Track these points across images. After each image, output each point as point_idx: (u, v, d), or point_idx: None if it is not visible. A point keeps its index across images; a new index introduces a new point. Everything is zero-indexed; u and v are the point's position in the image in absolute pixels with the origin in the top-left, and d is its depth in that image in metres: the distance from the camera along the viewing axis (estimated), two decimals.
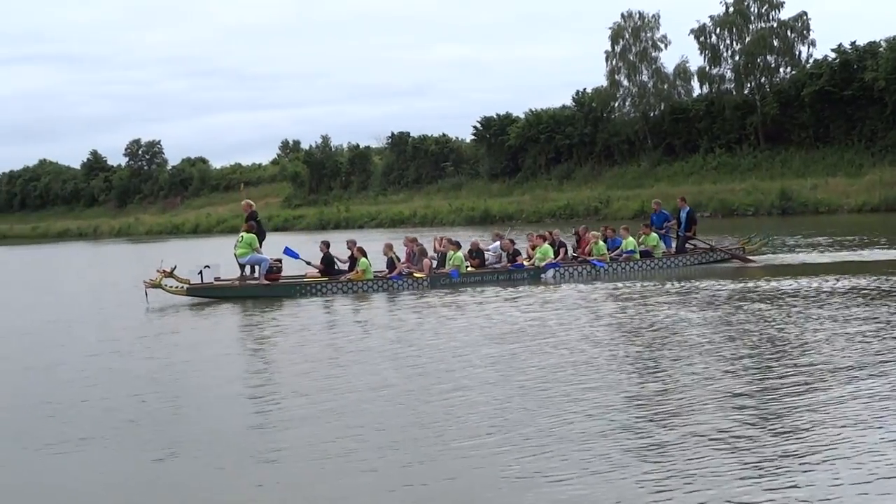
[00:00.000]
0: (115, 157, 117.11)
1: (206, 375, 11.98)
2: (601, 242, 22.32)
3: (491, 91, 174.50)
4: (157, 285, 20.29)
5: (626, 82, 64.69)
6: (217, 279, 21.23)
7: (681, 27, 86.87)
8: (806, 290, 16.48)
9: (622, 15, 64.38)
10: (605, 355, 11.55)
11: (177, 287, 20.64)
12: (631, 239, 22.59)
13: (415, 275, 21.13)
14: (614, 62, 64.64)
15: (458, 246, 21.92)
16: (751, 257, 23.33)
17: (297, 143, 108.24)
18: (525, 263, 21.77)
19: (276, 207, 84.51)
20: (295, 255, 22.12)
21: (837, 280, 17.65)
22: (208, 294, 20.95)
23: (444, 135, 79.32)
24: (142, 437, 8.96)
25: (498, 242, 23.02)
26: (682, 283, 18.70)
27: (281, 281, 21.28)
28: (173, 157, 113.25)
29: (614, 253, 22.30)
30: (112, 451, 8.58)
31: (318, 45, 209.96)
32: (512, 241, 22.73)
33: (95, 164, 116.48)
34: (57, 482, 7.83)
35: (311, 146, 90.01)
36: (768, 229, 29.59)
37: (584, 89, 67.87)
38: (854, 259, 22.36)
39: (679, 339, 12.36)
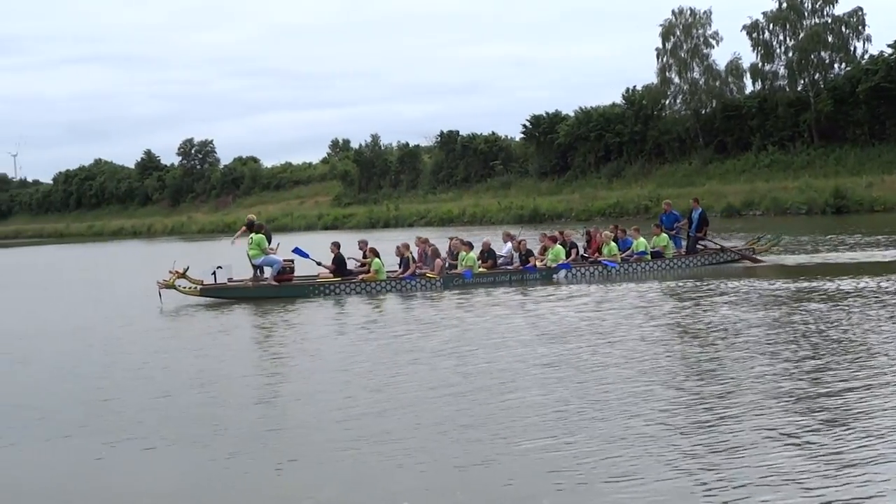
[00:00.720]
0: (169, 157, 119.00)
1: (268, 373, 12.13)
2: (613, 243, 22.33)
3: (540, 89, 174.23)
4: (170, 286, 20.45)
5: (677, 79, 64.23)
6: (230, 280, 21.33)
7: (733, 23, 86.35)
8: (865, 290, 16.26)
9: (673, 12, 63.98)
10: (662, 355, 11.49)
11: (190, 288, 20.71)
12: (642, 240, 22.65)
13: (427, 275, 21.16)
14: (665, 59, 64.20)
15: (470, 246, 21.98)
16: (759, 257, 23.23)
17: (346, 141, 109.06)
18: (537, 264, 21.74)
19: (326, 206, 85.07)
20: (305, 255, 22.12)
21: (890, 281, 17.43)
22: (222, 295, 21.02)
23: (493, 133, 79.46)
24: (226, 432, 9.09)
25: (510, 243, 23.01)
26: (719, 283, 18.54)
27: (294, 281, 21.39)
28: (225, 157, 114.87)
29: (625, 253, 22.29)
30: (201, 448, 8.67)
31: (368, 45, 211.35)
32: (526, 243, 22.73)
33: (149, 163, 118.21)
34: (134, 480, 7.96)
35: (360, 145, 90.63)
36: (780, 230, 29.46)
37: (635, 87, 67.60)
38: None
39: (739, 340, 12.20)
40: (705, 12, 63.51)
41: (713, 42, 63.59)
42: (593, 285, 19.89)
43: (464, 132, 80.00)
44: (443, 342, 13.35)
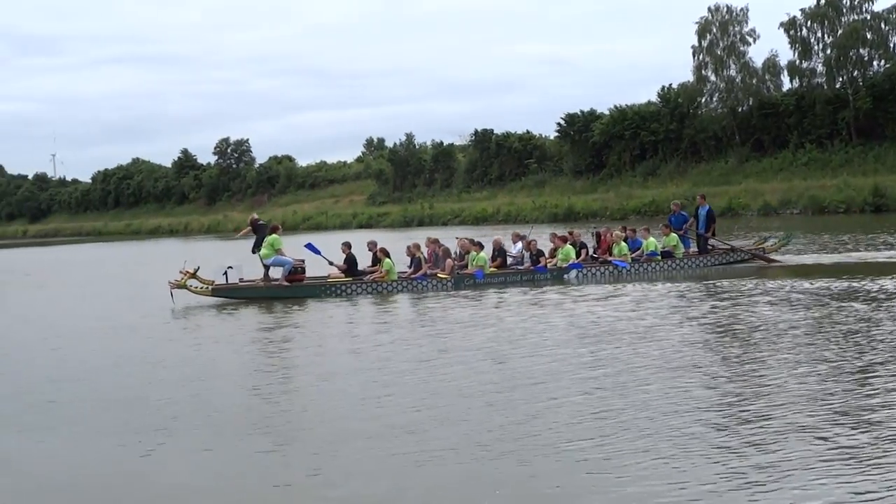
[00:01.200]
0: (205, 156, 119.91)
1: (310, 373, 12.22)
2: (623, 243, 22.36)
3: (575, 87, 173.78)
4: (181, 286, 20.53)
5: (713, 77, 63.70)
6: (241, 280, 21.42)
7: (770, 20, 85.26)
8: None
9: (709, 9, 63.41)
10: (703, 355, 11.47)
11: (201, 288, 20.79)
12: (652, 240, 22.73)
13: (438, 275, 21.23)
14: (701, 57, 63.70)
15: (480, 247, 22.01)
16: (774, 257, 23.15)
17: (381, 140, 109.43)
18: (547, 265, 21.78)
19: (361, 205, 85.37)
20: (317, 251, 22.31)
21: None
22: (233, 295, 21.10)
23: (527, 132, 79.30)
24: (286, 433, 9.17)
25: (519, 244, 23.10)
26: (756, 283, 18.40)
27: (305, 282, 21.45)
28: (261, 156, 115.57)
29: (636, 254, 22.33)
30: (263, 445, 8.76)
31: (402, 43, 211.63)
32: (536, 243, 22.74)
33: (186, 162, 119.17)
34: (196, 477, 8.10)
35: (395, 144, 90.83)
36: (791, 229, 29.38)
37: (670, 85, 67.19)
38: None
39: (781, 340, 12.14)
40: (742, 9, 62.99)
41: (750, 39, 63.02)
42: (628, 285, 19.80)
43: (498, 131, 80.00)
44: (484, 341, 13.38)
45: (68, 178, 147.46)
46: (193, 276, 20.70)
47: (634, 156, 66.80)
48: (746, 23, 63.04)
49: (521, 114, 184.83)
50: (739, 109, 62.56)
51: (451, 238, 24.44)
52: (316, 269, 22.52)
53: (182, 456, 8.51)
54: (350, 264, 21.88)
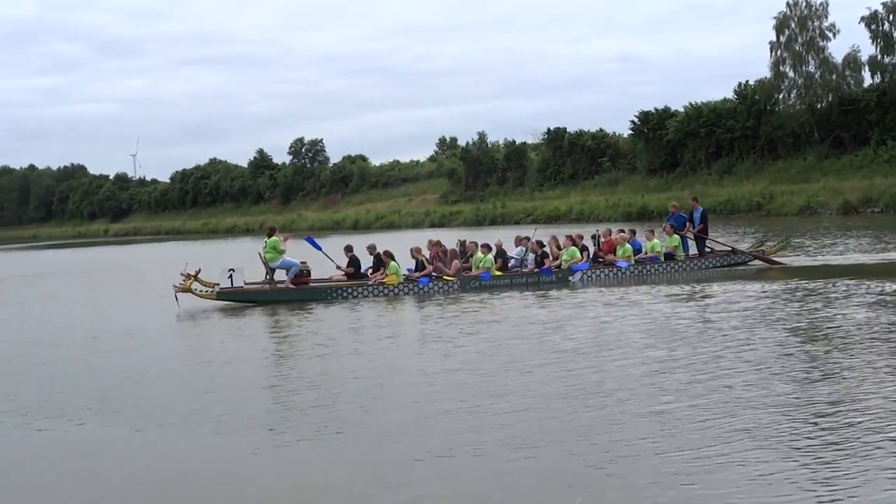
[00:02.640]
0: (280, 156, 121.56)
1: (380, 371, 12.33)
2: (628, 245, 22.36)
3: (649, 85, 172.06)
4: (187, 289, 20.36)
5: (791, 73, 62.47)
6: (246, 283, 21.20)
7: (851, 15, 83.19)
8: None
9: (788, 4, 62.17)
10: (773, 355, 11.31)
11: (207, 291, 20.61)
12: (656, 241, 22.69)
13: (444, 277, 21.15)
14: (779, 53, 62.53)
15: (487, 248, 21.97)
16: (776, 258, 23.07)
17: (454, 139, 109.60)
18: (552, 266, 21.74)
19: (434, 204, 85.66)
20: (318, 247, 22.45)
21: None
22: (239, 298, 20.91)
23: (600, 130, 78.74)
24: (356, 425, 9.36)
25: (521, 246, 23.03)
26: (832, 283, 17.90)
27: (311, 285, 21.35)
28: (334, 155, 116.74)
29: (639, 255, 22.37)
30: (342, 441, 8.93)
31: (475, 43, 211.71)
32: (541, 244, 22.62)
33: (262, 162, 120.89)
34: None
35: (467, 143, 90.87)
36: (790, 231, 29.44)
37: (747, 81, 66.03)
38: None
39: (857, 340, 11.97)
40: (822, 4, 61.62)
41: (830, 34, 61.66)
42: (611, 287, 20.03)
43: (571, 129, 79.60)
44: (574, 343, 13.32)
45: (148, 178, 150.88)
46: (195, 278, 20.49)
47: (710, 153, 65.83)
48: (826, 17, 61.72)
49: (594, 112, 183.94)
50: (818, 106, 61.22)
51: (452, 240, 24.32)
52: (320, 272, 22.41)
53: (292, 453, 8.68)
54: (355, 267, 21.85)
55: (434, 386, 10.81)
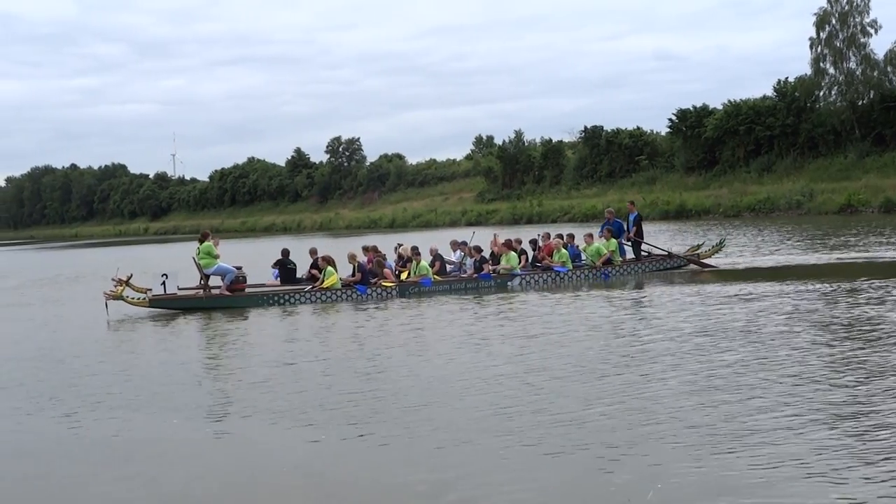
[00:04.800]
0: (318, 155, 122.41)
1: (425, 370, 12.38)
2: (564, 250, 22.44)
3: (687, 82, 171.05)
4: (118, 297, 19.59)
5: (832, 70, 61.72)
6: (179, 289, 20.59)
7: (893, 11, 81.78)
8: None
9: (828, 0, 61.50)
10: (805, 354, 11.27)
11: (139, 298, 19.97)
12: (596, 245, 22.93)
13: (383, 283, 21.04)
14: (819, 49, 61.79)
15: (420, 255, 21.86)
16: (707, 262, 23.49)
17: (490, 138, 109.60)
18: (491, 272, 21.77)
19: (470, 202, 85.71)
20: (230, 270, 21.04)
21: None
22: (172, 305, 20.28)
23: (638, 128, 78.23)
24: (397, 422, 9.40)
25: (459, 251, 23.09)
26: (859, 283, 17.81)
27: (247, 291, 20.92)
28: (371, 154, 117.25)
29: (577, 260, 22.67)
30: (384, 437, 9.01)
31: (511, 41, 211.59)
32: (479, 249, 22.63)
33: (299, 161, 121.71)
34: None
35: (504, 141, 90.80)
36: (724, 234, 29.68)
37: (787, 78, 65.31)
38: None
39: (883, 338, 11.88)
40: (863, 0, 60.89)
41: (871, 31, 60.87)
42: (547, 292, 20.08)
43: (608, 127, 79.24)
44: (592, 338, 13.38)
45: (187, 178, 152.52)
46: (127, 283, 19.82)
47: (749, 151, 65.19)
48: (867, 13, 60.91)
49: (631, 110, 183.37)
50: (860, 103, 60.45)
51: (389, 246, 24.19)
52: (256, 278, 22.17)
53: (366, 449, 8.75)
54: (290, 272, 21.80)
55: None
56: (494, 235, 23.42)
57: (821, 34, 61.66)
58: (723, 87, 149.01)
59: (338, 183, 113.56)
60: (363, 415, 9.58)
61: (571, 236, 23.73)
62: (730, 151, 66.11)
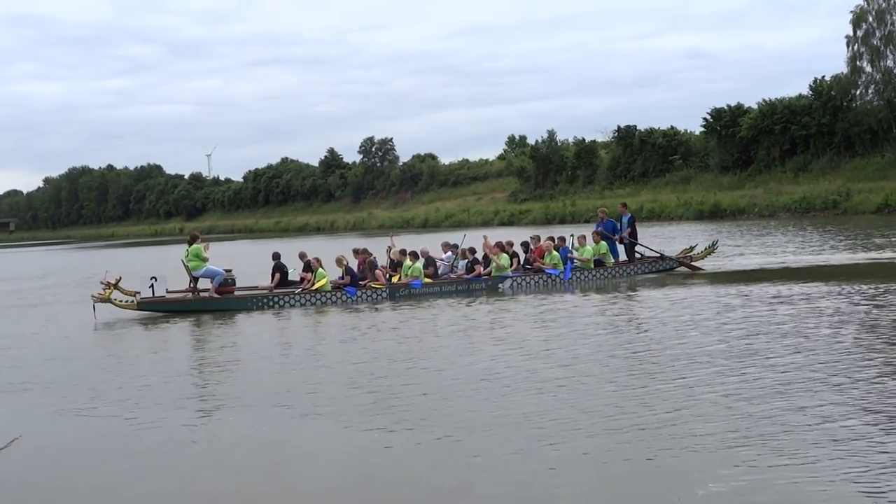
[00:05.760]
0: (351, 155, 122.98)
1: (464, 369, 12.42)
2: (555, 252, 22.37)
3: (722, 81, 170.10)
4: (106, 300, 19.45)
5: (868, 68, 61.03)
6: (168, 292, 20.48)
7: None
8: None
9: None
10: (857, 358, 11.12)
11: (127, 301, 19.75)
12: (588, 248, 22.84)
13: (373, 285, 20.98)
14: (856, 48, 61.12)
15: (414, 256, 21.81)
16: (696, 264, 23.51)
17: (523, 138, 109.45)
18: (482, 274, 21.73)
19: (503, 202, 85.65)
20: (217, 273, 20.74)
21: None
22: (160, 308, 20.11)
23: (672, 127, 77.77)
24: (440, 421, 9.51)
25: (449, 252, 23.02)
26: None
27: (236, 294, 20.79)
28: (404, 154, 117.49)
29: (568, 262, 22.52)
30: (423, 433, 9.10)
31: (543, 41, 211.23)
32: (472, 250, 22.61)
33: (332, 161, 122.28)
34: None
35: (537, 141, 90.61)
36: (717, 237, 29.48)
37: (823, 77, 64.65)
38: None
39: None
40: None
41: None
42: (539, 294, 20.17)
43: (641, 126, 78.82)
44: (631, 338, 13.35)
45: (221, 178, 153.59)
46: (116, 286, 19.65)
47: (784, 150, 64.58)
48: None
49: (664, 109, 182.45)
50: None
51: (381, 248, 24.03)
52: (245, 280, 22.11)
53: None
54: (282, 274, 21.53)
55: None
56: (485, 237, 23.28)
57: (857, 32, 61.02)
58: (757, 85, 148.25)
59: (371, 183, 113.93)
60: (399, 413, 9.64)
61: (563, 238, 23.70)
62: (765, 151, 65.54)
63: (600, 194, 75.07)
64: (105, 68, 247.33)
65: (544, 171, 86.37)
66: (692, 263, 23.60)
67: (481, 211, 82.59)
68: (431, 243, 25.67)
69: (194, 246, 20.52)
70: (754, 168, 65.80)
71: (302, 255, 22.22)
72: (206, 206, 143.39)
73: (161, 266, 20.86)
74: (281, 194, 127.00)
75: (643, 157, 76.63)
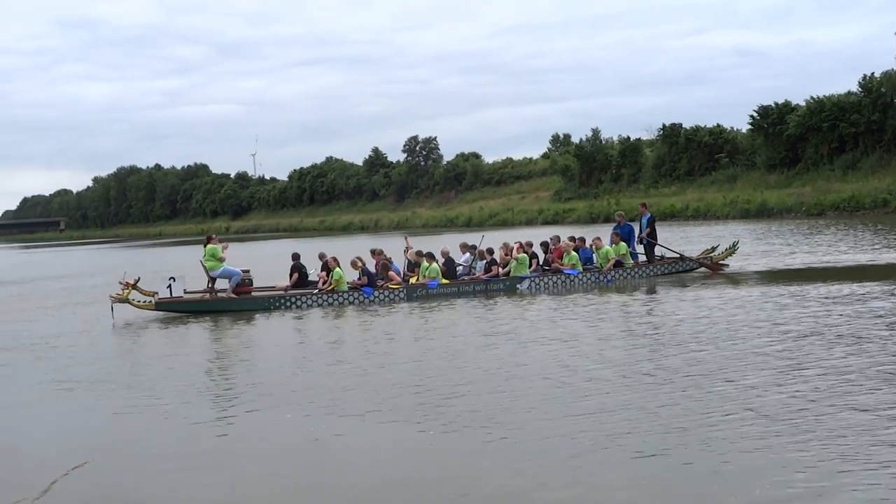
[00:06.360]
0: (395, 154, 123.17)
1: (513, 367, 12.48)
2: (574, 252, 22.30)
3: (769, 79, 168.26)
4: (124, 300, 19.60)
5: None
6: (185, 292, 20.60)
7: None
8: None
9: None
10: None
11: (144, 301, 19.84)
12: (606, 248, 22.72)
13: (390, 286, 20.99)
14: None
15: (431, 257, 21.77)
16: (718, 264, 23.35)
17: (567, 136, 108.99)
18: (500, 274, 21.71)
19: (547, 201, 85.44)
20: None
21: None
22: (178, 308, 20.24)
23: (718, 125, 76.98)
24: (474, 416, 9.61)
25: (468, 254, 22.98)
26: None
27: (253, 294, 20.83)
28: (448, 153, 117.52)
29: (588, 263, 22.54)
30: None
31: (587, 39, 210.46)
32: (490, 251, 22.50)
33: (376, 160, 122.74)
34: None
35: (581, 139, 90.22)
36: (737, 237, 29.10)
37: (872, 74, 63.68)
38: None
39: None
40: None
41: None
42: (556, 295, 20.09)
43: (687, 124, 78.16)
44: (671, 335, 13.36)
45: (267, 177, 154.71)
46: (135, 287, 19.80)
47: (832, 148, 63.68)
48: None
49: (710, 107, 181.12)
50: None
51: (398, 249, 24.03)
52: (263, 280, 22.16)
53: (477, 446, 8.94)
54: (300, 275, 21.79)
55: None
56: (504, 244, 23.19)
57: None
58: (805, 82, 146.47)
59: (415, 182, 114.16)
60: (454, 412, 9.75)
61: (583, 239, 23.72)
62: (813, 149, 64.69)
63: (645, 193, 74.55)
64: (153, 69, 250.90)
65: (589, 170, 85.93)
66: (713, 264, 23.47)
67: (525, 210, 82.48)
68: (450, 243, 25.78)
69: (210, 246, 20.69)
70: (802, 166, 64.96)
71: (321, 256, 22.36)
72: (252, 206, 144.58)
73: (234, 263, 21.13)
74: (326, 193, 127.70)
75: (689, 155, 75.99)
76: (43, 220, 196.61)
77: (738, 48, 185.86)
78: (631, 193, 76.02)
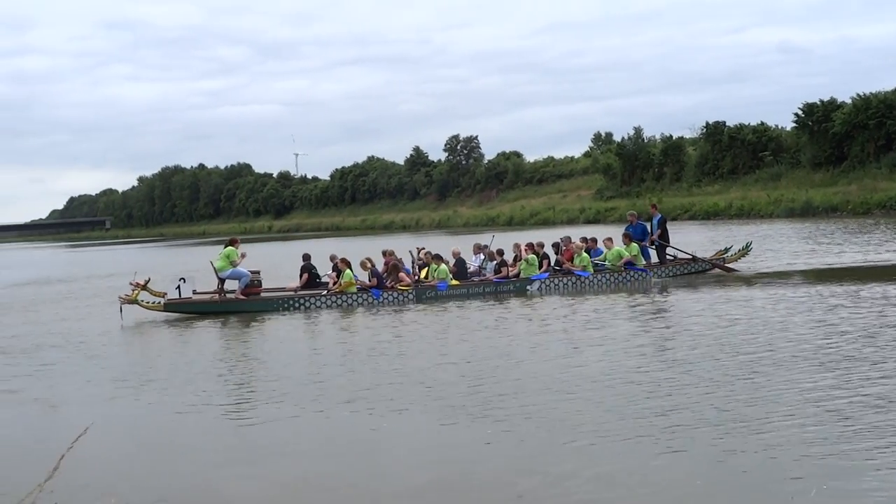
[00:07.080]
0: (436, 153, 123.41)
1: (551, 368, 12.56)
2: (585, 253, 22.14)
3: (813, 76, 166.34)
4: (133, 301, 19.67)
5: None
6: (195, 293, 20.64)
7: None
8: None
9: None
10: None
11: (153, 302, 19.91)
12: (616, 249, 22.51)
13: (399, 287, 20.90)
14: None
15: (440, 259, 21.71)
16: (732, 266, 23.15)
17: (609, 135, 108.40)
18: (510, 275, 21.59)
19: (589, 200, 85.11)
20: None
21: None
22: (187, 309, 20.30)
23: (762, 123, 76.27)
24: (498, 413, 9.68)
25: (480, 255, 22.88)
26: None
27: (262, 295, 20.86)
28: (489, 152, 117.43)
29: (598, 264, 22.36)
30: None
31: (628, 37, 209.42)
32: (500, 252, 22.34)
33: (417, 159, 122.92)
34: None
35: (623, 138, 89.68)
36: (750, 238, 28.71)
37: None
38: None
39: None
40: None
41: None
42: (567, 296, 20.01)
43: (730, 123, 77.46)
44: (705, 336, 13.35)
45: (309, 176, 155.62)
46: (145, 288, 19.90)
47: (879, 146, 62.78)
48: None
49: (753, 105, 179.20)
50: None
51: (405, 250, 23.95)
52: (272, 281, 22.15)
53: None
54: (309, 275, 21.84)
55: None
56: (515, 244, 23.18)
57: None
58: (850, 80, 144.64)
59: (456, 181, 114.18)
60: (497, 411, 9.84)
61: (594, 240, 23.63)
62: (859, 147, 63.84)
63: (688, 191, 74.11)
64: (196, 70, 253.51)
65: (631, 169, 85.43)
66: (725, 265, 23.30)
67: (567, 209, 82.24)
68: (462, 244, 25.82)
69: (229, 248, 20.86)
70: (847, 164, 64.13)
71: (332, 257, 22.43)
72: (294, 205, 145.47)
73: (246, 264, 21.28)
74: (367, 192, 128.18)
75: (732, 153, 75.33)
76: (89, 220, 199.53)
77: (782, 45, 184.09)
78: (674, 192, 75.56)
